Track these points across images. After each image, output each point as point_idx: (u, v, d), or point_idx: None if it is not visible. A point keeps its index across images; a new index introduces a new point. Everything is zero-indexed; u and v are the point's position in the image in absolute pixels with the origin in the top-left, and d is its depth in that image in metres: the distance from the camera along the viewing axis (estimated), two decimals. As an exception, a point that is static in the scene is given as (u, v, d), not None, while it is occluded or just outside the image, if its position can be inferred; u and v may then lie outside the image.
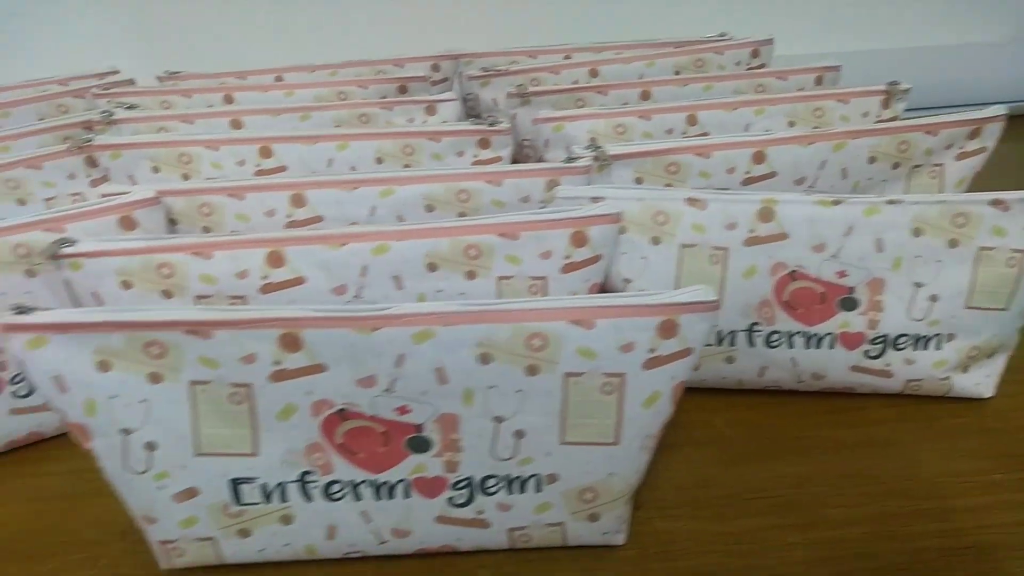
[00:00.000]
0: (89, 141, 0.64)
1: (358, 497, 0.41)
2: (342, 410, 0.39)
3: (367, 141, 0.65)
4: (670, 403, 0.40)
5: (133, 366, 0.37)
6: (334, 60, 0.91)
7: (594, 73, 0.85)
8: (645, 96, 0.76)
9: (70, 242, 0.46)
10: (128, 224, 0.51)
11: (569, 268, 0.48)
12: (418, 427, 0.39)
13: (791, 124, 0.69)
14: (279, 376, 0.38)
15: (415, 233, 0.46)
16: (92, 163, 0.65)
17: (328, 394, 0.38)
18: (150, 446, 0.39)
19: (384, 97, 0.84)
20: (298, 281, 0.47)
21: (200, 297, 0.47)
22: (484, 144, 0.66)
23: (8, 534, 0.48)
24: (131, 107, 0.74)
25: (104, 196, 0.53)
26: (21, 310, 0.36)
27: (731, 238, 0.50)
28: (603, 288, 0.51)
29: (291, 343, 0.37)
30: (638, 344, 0.37)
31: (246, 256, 0.46)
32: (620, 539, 0.45)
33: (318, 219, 0.56)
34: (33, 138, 0.69)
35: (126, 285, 0.46)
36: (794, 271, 0.50)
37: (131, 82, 0.86)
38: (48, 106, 0.81)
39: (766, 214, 0.49)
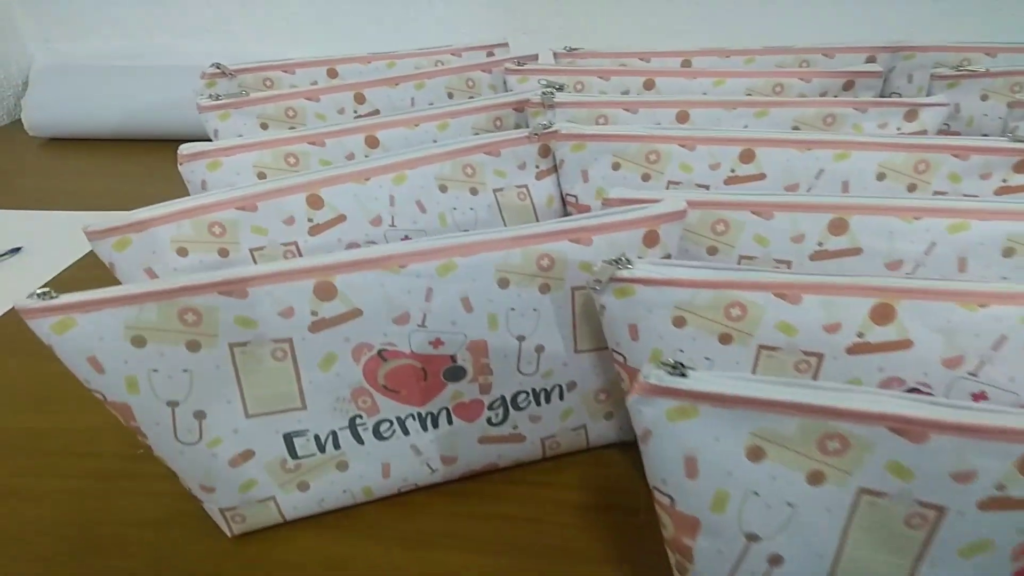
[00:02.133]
0: (549, 127, 0.56)
1: None
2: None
3: (869, 152, 0.53)
4: None
5: (795, 459, 0.28)
6: (750, 45, 0.80)
7: (1104, 80, 0.67)
8: None
9: (627, 264, 0.37)
10: (651, 240, 0.42)
11: None
12: None
13: None
14: (991, 504, 0.27)
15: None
16: (545, 152, 0.58)
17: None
18: (774, 560, 0.30)
19: (824, 93, 0.71)
20: (903, 344, 0.36)
21: (765, 348, 0.37)
22: (1021, 168, 0.52)
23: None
24: (560, 88, 0.67)
25: (607, 202, 0.45)
26: (677, 369, 0.28)
27: None
28: None
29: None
30: None
31: (843, 305, 0.36)
32: None
33: (856, 251, 0.45)
34: (468, 117, 0.64)
35: (679, 322, 0.38)
36: None
37: (535, 58, 0.80)
38: (458, 79, 0.76)
39: None
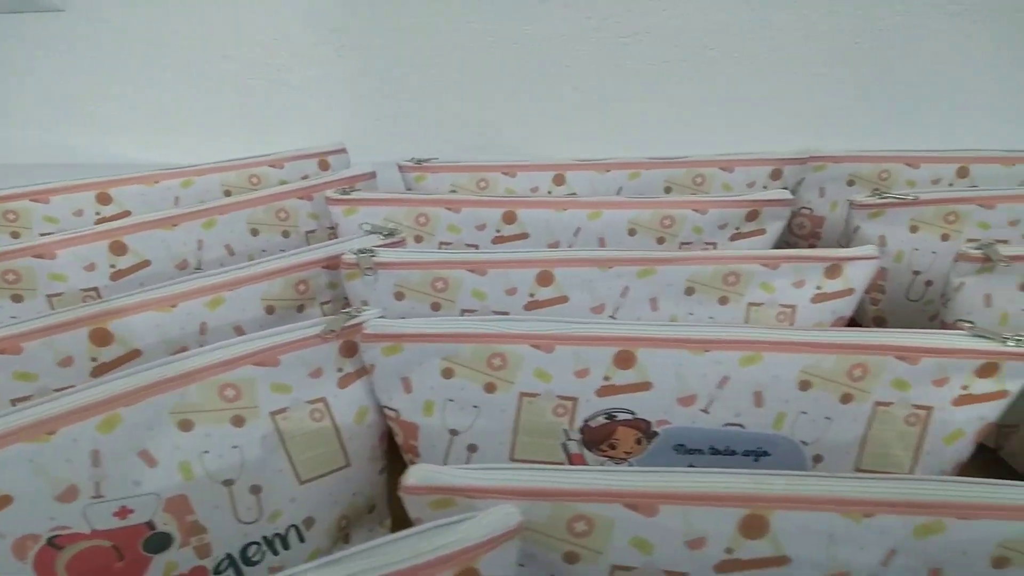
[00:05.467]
0: (352, 320, 0.40)
1: None
2: None
3: (787, 354, 0.39)
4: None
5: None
6: (634, 156, 0.66)
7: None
8: None
9: None
10: (466, 585, 0.26)
11: None
12: None
13: None
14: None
15: None
16: (350, 351, 0.41)
17: None
18: None
19: (724, 226, 0.57)
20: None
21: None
22: (987, 371, 0.39)
23: None
24: (390, 234, 0.50)
25: (408, 490, 0.29)
26: None
27: None
28: None
29: None
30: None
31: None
32: None
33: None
34: (256, 287, 0.46)
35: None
36: None
37: (373, 177, 0.63)
38: (265, 212, 0.58)
39: None
